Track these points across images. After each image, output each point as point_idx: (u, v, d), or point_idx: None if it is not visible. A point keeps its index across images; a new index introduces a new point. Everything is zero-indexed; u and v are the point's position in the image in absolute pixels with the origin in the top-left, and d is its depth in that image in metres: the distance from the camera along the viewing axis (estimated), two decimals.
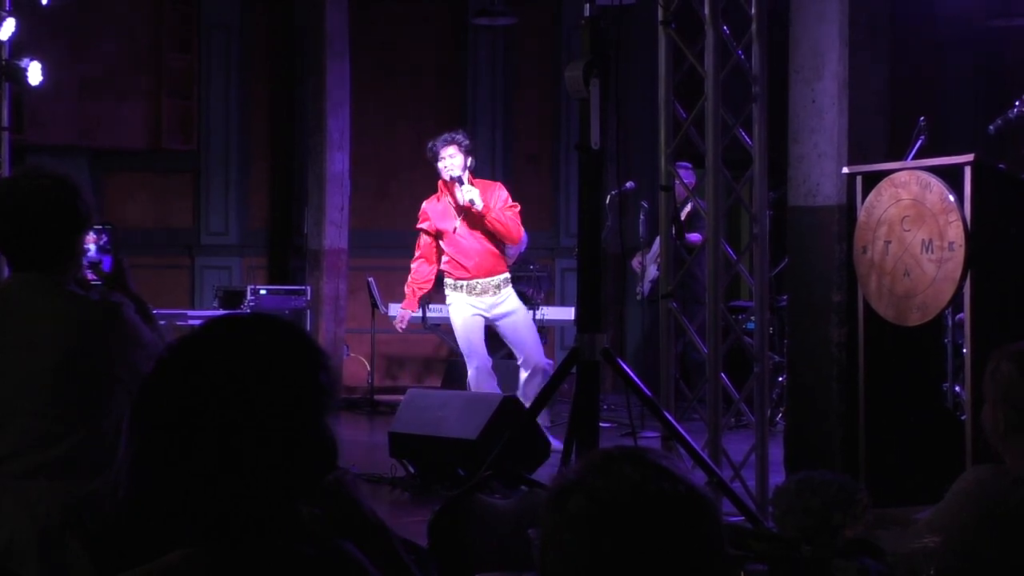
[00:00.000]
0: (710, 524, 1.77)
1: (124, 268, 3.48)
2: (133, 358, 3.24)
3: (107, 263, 3.62)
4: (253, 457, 1.85)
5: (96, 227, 3.56)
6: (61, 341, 3.22)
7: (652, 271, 10.23)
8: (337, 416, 2.00)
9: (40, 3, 9.87)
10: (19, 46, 10.34)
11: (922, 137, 7.05)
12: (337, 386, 2.08)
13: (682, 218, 9.64)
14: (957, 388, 7.05)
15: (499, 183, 8.72)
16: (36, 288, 3.29)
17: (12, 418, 3.20)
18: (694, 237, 9.01)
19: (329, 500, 2.04)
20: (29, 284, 3.30)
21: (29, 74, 10.04)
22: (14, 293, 3.35)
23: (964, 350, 5.77)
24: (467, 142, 8.39)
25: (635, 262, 10.79)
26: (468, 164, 8.35)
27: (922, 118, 7.10)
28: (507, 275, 8.55)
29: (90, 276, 3.51)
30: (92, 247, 3.58)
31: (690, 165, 9.48)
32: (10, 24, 9.79)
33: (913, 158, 6.96)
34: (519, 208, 8.48)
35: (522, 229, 8.50)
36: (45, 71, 10.11)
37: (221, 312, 11.00)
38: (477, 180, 8.44)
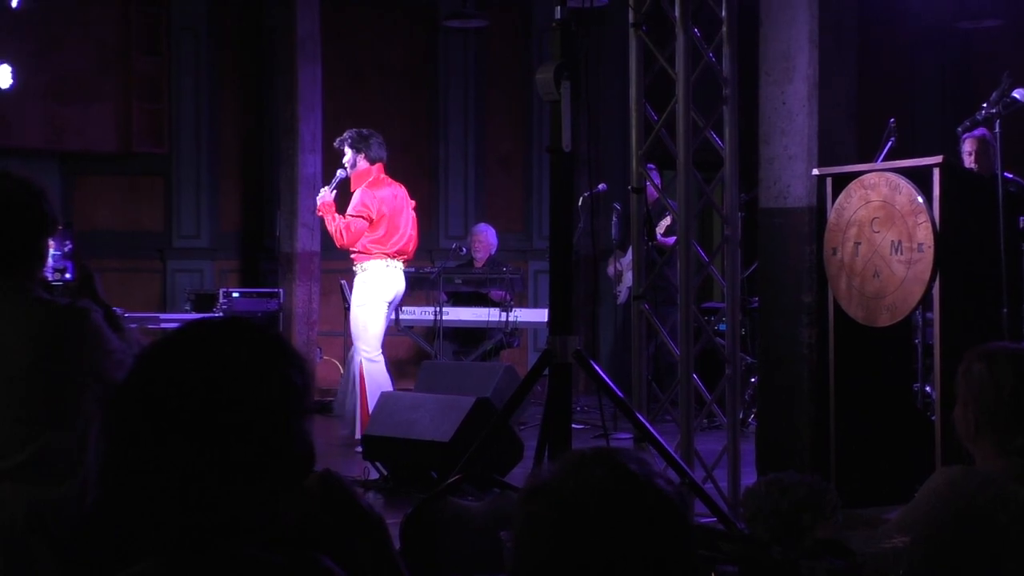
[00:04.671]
0: (679, 526, 1.78)
1: (90, 274, 3.46)
2: (100, 364, 3.23)
3: (71, 269, 3.61)
4: (225, 463, 1.84)
5: (59, 233, 3.55)
6: (27, 346, 3.20)
7: (628, 278, 10.26)
8: (312, 419, 1.99)
9: (10, 6, 9.84)
10: None
11: (892, 138, 7.10)
12: (312, 390, 2.08)
13: (661, 230, 9.70)
14: (928, 389, 7.09)
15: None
16: (1, 292, 3.27)
17: None
18: (671, 240, 9.06)
19: (324, 497, 2.04)
20: None
21: None
22: None
23: (934, 350, 5.80)
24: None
25: (610, 268, 10.82)
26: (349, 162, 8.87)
27: (892, 119, 7.15)
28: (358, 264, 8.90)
29: (54, 281, 3.50)
30: (55, 253, 3.57)
31: (654, 166, 9.50)
32: None
33: (884, 159, 7.00)
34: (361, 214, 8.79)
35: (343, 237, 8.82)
36: (14, 74, 10.08)
37: (193, 316, 10.98)
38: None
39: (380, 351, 8.83)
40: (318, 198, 8.93)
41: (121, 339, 3.33)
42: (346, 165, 8.83)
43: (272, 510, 1.89)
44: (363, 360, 8.70)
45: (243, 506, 1.85)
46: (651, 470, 1.80)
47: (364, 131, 8.88)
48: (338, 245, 8.86)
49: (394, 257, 8.82)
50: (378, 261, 8.76)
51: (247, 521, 1.86)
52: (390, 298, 8.84)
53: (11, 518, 3.15)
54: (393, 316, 9.82)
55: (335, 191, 8.86)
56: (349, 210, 8.79)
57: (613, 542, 1.71)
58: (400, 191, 8.91)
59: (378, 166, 8.83)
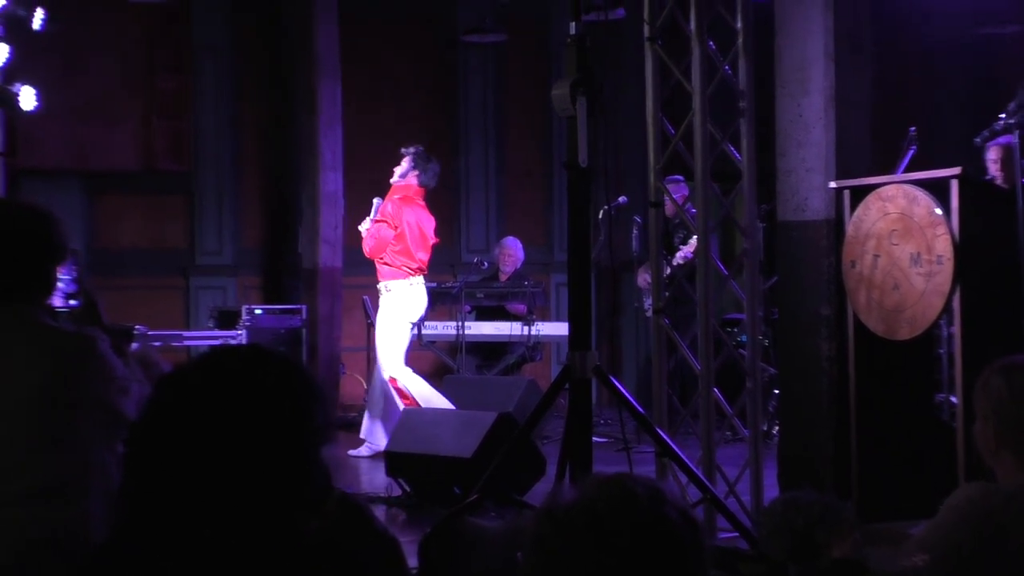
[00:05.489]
0: (688, 555, 1.78)
1: (94, 300, 3.48)
2: (104, 391, 3.24)
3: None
4: (244, 490, 1.86)
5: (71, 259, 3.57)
6: (34, 372, 3.22)
7: None
8: (334, 439, 2.01)
9: (32, 28, 9.90)
10: (12, 71, 10.37)
11: (913, 147, 7.07)
12: (329, 415, 2.10)
13: (690, 249, 9.71)
14: (953, 399, 7.05)
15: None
16: (9, 319, 3.29)
17: None
18: (687, 253, 9.10)
19: (341, 519, 2.06)
20: (2, 316, 3.31)
21: (22, 99, 10.07)
22: None
23: (956, 363, 5.77)
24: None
25: (640, 279, 10.81)
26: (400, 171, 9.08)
27: (912, 128, 7.12)
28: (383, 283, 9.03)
29: (59, 306, 3.52)
30: (66, 278, 3.60)
31: (682, 178, 9.49)
32: (3, 50, 9.82)
33: (905, 168, 6.98)
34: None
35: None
36: (38, 95, 10.14)
37: (216, 333, 11.02)
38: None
39: (403, 367, 8.89)
40: (361, 228, 9.12)
41: (125, 365, 3.35)
42: (396, 173, 9.02)
43: (290, 533, 1.91)
44: (396, 378, 8.78)
45: (261, 530, 1.87)
46: (662, 497, 1.80)
47: (430, 156, 9.15)
48: (365, 253, 9.00)
49: (416, 274, 8.89)
50: (402, 280, 8.84)
51: (264, 544, 1.88)
52: (415, 319, 8.96)
53: (20, 543, 3.17)
54: (415, 331, 9.86)
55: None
56: (374, 215, 8.93)
57: (617, 569, 1.71)
58: (428, 220, 9.08)
59: (422, 191, 9.05)
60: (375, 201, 9.13)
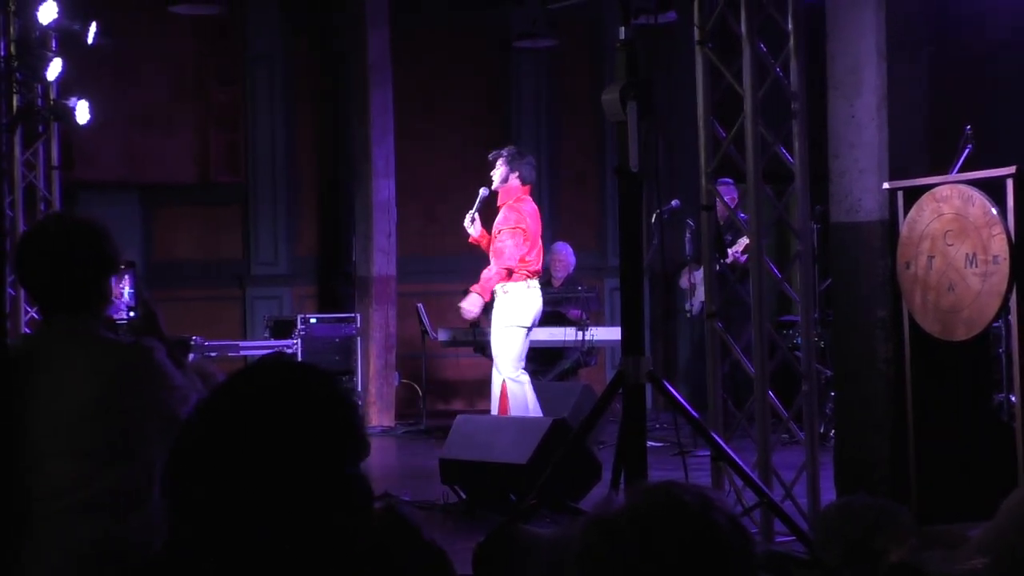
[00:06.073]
0: (735, 562, 1.78)
1: (153, 311, 3.52)
2: (163, 401, 3.28)
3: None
4: (287, 505, 1.87)
5: (125, 270, 3.62)
6: (93, 384, 3.26)
7: (701, 292, 10.23)
8: (365, 456, 2.01)
9: (86, 42, 10.01)
10: (67, 85, 10.50)
11: (969, 146, 7.00)
12: (362, 427, 2.11)
13: (739, 248, 9.65)
14: (1012, 398, 6.97)
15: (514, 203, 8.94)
16: (67, 332, 3.34)
17: (45, 459, 3.25)
18: (743, 259, 9.05)
19: (388, 530, 2.06)
20: (60, 328, 3.36)
21: (77, 113, 10.20)
22: (46, 338, 3.41)
23: (1014, 362, 5.71)
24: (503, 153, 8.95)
25: (683, 280, 10.78)
26: (501, 176, 8.85)
27: (968, 127, 7.05)
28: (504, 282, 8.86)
29: (118, 318, 3.56)
30: (126, 291, 3.64)
31: (731, 181, 9.46)
32: (57, 64, 9.94)
33: (961, 167, 6.91)
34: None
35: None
36: (92, 108, 10.26)
37: (272, 343, 11.09)
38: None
39: (523, 371, 8.87)
40: (467, 226, 8.97)
41: (184, 375, 3.38)
42: (494, 179, 8.90)
43: (336, 544, 1.92)
44: (506, 380, 8.77)
45: (305, 544, 1.88)
46: (710, 504, 1.79)
47: (520, 150, 9.04)
48: (498, 267, 8.83)
49: (533, 276, 8.85)
50: (520, 283, 8.80)
51: (307, 560, 1.89)
52: (530, 322, 8.88)
53: (82, 552, 3.22)
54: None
55: (478, 214, 8.95)
56: (500, 225, 8.80)
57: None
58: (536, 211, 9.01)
59: (527, 188, 8.94)
60: (481, 191, 8.98)
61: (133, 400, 3.27)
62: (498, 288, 8.82)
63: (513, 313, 8.79)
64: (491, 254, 8.85)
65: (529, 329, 8.93)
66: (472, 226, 8.93)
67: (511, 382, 8.74)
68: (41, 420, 3.27)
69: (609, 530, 1.77)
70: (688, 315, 10.98)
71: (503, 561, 3.82)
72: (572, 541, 1.83)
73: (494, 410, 8.83)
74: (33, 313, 9.35)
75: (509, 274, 8.77)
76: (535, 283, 8.87)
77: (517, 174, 8.84)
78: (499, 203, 8.93)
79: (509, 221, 8.77)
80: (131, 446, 3.27)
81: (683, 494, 1.80)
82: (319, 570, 1.91)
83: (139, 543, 3.19)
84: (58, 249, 3.34)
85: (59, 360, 3.30)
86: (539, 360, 11.21)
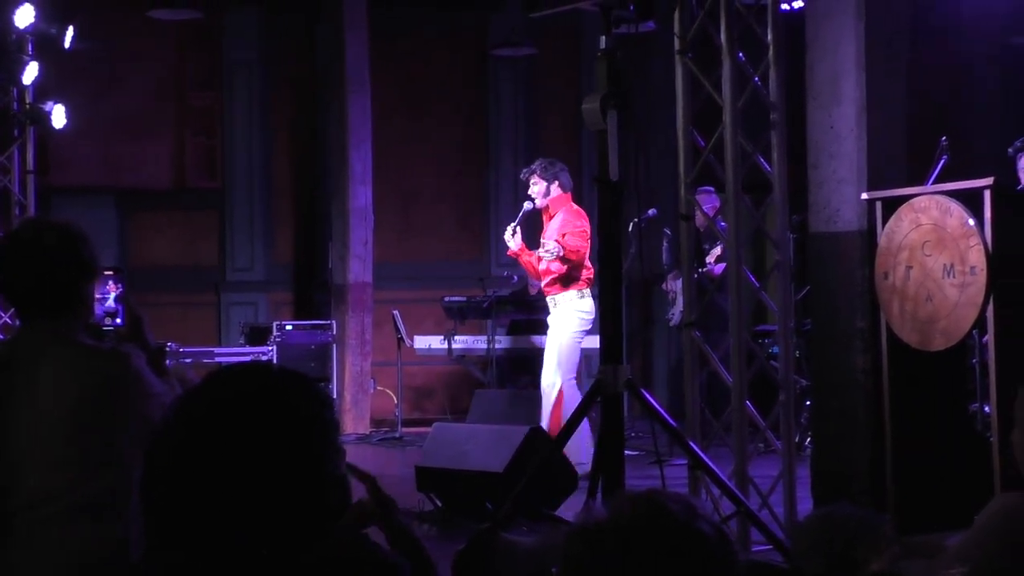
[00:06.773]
0: (724, 568, 1.77)
1: (139, 317, 3.50)
2: (143, 408, 3.26)
3: (121, 313, 3.66)
4: (262, 506, 1.86)
5: (111, 276, 3.60)
6: (71, 390, 3.24)
7: (681, 301, 10.25)
8: (342, 456, 2.00)
9: (63, 46, 9.97)
10: (43, 89, 10.45)
11: (944, 157, 7.04)
12: (338, 428, 2.11)
13: (712, 258, 9.68)
14: (987, 408, 7.00)
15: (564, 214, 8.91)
16: (46, 338, 3.31)
17: (26, 468, 3.23)
18: (719, 269, 9.06)
19: (386, 525, 2.06)
20: (39, 334, 3.33)
21: (53, 117, 10.15)
22: (24, 344, 3.37)
23: (990, 373, 5.73)
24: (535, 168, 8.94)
25: (666, 285, 10.81)
26: (542, 191, 8.85)
27: (944, 138, 7.08)
28: (556, 294, 8.86)
29: (105, 325, 3.54)
30: (111, 296, 3.62)
31: (713, 189, 9.47)
32: (33, 68, 9.90)
33: (936, 178, 6.94)
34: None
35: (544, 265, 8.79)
36: (69, 113, 10.21)
37: (247, 349, 11.05)
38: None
39: (570, 381, 8.88)
40: (507, 239, 8.91)
41: (164, 381, 3.36)
42: (534, 196, 8.88)
43: (316, 544, 1.91)
44: (564, 385, 8.76)
45: (285, 547, 1.87)
46: (694, 512, 1.79)
47: (551, 160, 8.98)
48: (555, 271, 8.78)
49: (586, 286, 8.84)
50: (573, 291, 8.80)
51: (283, 561, 1.88)
52: (587, 328, 8.88)
53: (65, 560, 3.19)
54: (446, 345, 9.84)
55: (519, 227, 8.90)
56: (563, 230, 8.73)
57: None
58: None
59: (569, 195, 8.95)
60: (525, 205, 8.93)
61: (111, 406, 3.25)
62: (549, 300, 8.85)
63: (570, 322, 8.83)
64: (555, 254, 8.68)
65: (584, 336, 8.97)
66: (512, 239, 8.90)
67: (569, 386, 8.76)
68: (20, 429, 3.24)
69: (594, 541, 1.77)
70: (670, 323, 11.00)
71: (482, 568, 3.81)
72: (554, 550, 1.82)
73: (547, 417, 8.75)
74: (6, 318, 9.30)
75: (569, 280, 8.77)
76: (588, 291, 8.86)
77: (557, 183, 8.87)
78: (550, 213, 8.90)
79: (571, 227, 8.73)
80: (110, 453, 3.25)
81: (667, 502, 1.80)
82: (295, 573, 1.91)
83: (121, 551, 3.17)
84: (38, 253, 3.32)
85: (39, 365, 3.28)
86: (516, 368, 11.20)
